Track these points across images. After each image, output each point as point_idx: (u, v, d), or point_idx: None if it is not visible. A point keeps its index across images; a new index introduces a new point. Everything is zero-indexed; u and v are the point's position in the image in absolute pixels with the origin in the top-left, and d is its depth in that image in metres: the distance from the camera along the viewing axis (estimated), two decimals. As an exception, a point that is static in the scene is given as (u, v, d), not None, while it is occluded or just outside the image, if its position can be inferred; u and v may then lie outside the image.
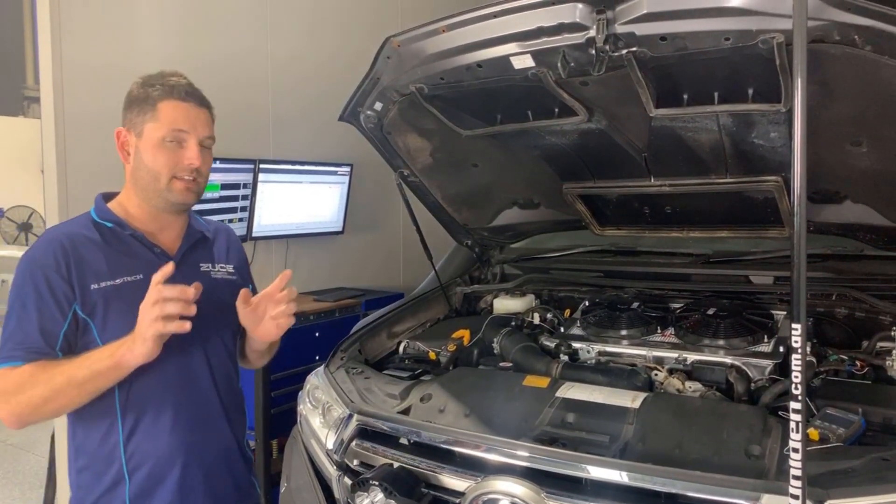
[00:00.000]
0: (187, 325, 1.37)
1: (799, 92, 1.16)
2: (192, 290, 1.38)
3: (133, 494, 1.52)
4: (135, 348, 1.38)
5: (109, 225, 1.57)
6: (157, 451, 1.54)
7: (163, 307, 1.35)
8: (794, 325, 1.16)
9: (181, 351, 1.56)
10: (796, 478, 1.15)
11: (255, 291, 1.78)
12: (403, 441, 1.77)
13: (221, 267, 1.73)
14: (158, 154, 1.53)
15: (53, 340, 1.45)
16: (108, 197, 1.65)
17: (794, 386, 1.15)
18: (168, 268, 1.38)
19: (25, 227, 9.87)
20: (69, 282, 1.47)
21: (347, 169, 4.46)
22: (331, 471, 1.88)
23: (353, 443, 1.83)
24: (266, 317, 1.59)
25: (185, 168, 1.54)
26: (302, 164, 4.17)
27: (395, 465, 1.69)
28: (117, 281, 1.51)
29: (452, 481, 1.62)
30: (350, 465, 1.83)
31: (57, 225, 1.60)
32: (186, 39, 3.57)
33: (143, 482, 1.53)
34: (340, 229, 4.55)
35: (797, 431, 1.15)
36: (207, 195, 3.48)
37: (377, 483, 1.60)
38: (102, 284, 1.50)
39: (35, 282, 1.46)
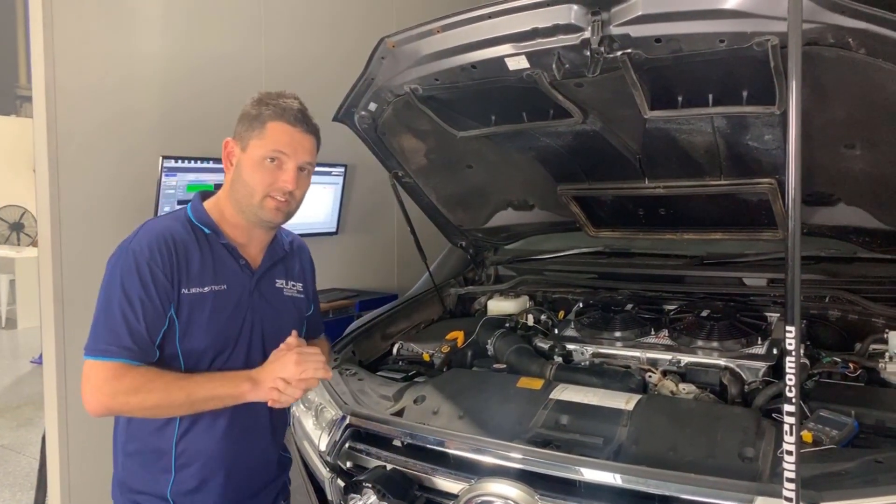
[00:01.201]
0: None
1: (793, 94, 1.16)
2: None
3: (175, 490, 1.56)
4: (259, 395, 1.50)
5: (207, 231, 1.59)
6: (207, 452, 1.58)
7: (311, 381, 1.52)
8: (788, 328, 1.16)
9: (245, 362, 1.60)
10: (790, 480, 1.15)
11: (316, 307, 1.94)
12: (397, 443, 1.76)
13: (293, 285, 1.77)
14: (256, 171, 1.56)
15: (155, 338, 1.48)
16: (205, 197, 1.67)
17: (788, 388, 1.15)
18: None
19: (17, 227, 9.84)
20: (171, 281, 1.50)
21: (342, 170, 4.44)
22: (324, 473, 1.87)
23: (347, 445, 1.82)
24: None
25: (279, 189, 1.57)
26: (296, 164, 4.15)
27: (389, 467, 1.68)
28: (205, 289, 1.54)
29: (446, 483, 1.62)
30: (343, 467, 1.82)
31: (158, 218, 1.62)
32: (180, 39, 3.55)
33: (189, 480, 1.57)
34: (335, 230, 4.53)
35: (791, 434, 1.15)
36: (201, 195, 3.46)
37: (370, 485, 1.60)
38: (193, 290, 1.53)
39: (141, 275, 1.47)
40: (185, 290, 1.52)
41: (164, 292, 1.49)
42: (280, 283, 1.74)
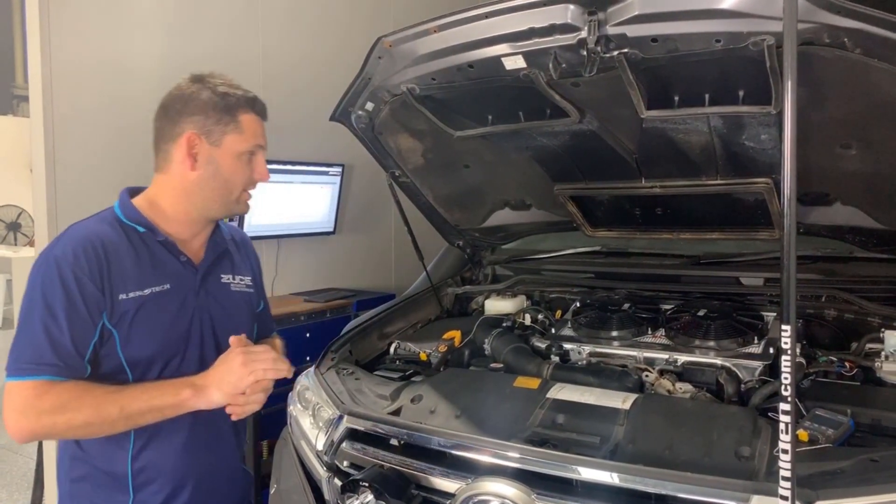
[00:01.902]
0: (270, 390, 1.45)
1: (788, 94, 1.16)
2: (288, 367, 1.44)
3: None
4: (209, 400, 1.40)
5: (140, 229, 1.49)
6: (168, 468, 1.50)
7: (262, 384, 1.43)
8: (783, 327, 1.16)
9: (201, 367, 1.51)
10: (786, 479, 1.15)
11: (265, 303, 1.85)
12: (394, 442, 1.76)
13: (240, 279, 1.69)
14: (238, 166, 1.51)
15: (84, 352, 1.37)
16: (133, 193, 1.56)
17: (783, 387, 1.16)
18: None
19: (14, 227, 9.81)
20: (101, 289, 1.38)
21: (339, 169, 4.45)
22: (321, 472, 1.87)
23: (343, 444, 1.82)
24: None
25: (254, 182, 1.56)
26: (293, 164, 4.15)
27: (386, 466, 1.68)
28: (145, 291, 1.44)
29: (443, 482, 1.61)
30: (340, 466, 1.82)
31: (81, 222, 1.48)
32: (177, 39, 3.55)
33: (149, 500, 1.48)
34: (332, 230, 4.54)
35: (787, 433, 1.15)
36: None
37: (367, 484, 1.59)
38: (131, 294, 1.42)
39: (65, 285, 1.35)
40: (122, 296, 1.41)
41: (93, 301, 1.37)
42: (226, 277, 1.65)
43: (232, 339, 1.47)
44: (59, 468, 1.52)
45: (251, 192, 1.58)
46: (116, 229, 1.46)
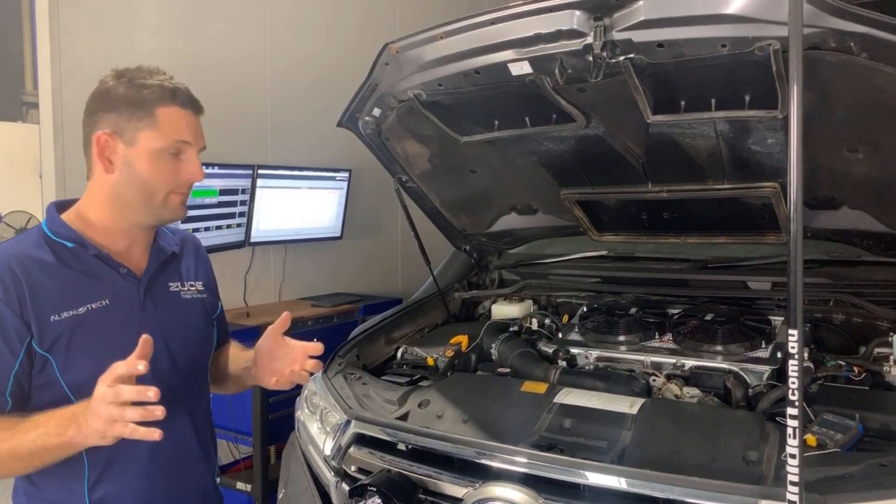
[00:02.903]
0: (156, 434, 1.13)
1: (795, 98, 1.17)
2: (153, 391, 1.12)
3: None
4: (86, 437, 1.17)
5: (69, 245, 1.35)
6: (131, 496, 1.38)
7: (122, 412, 1.11)
8: (790, 331, 1.16)
9: (158, 384, 1.27)
10: (794, 484, 1.15)
11: (221, 308, 1.69)
12: (401, 447, 1.76)
13: (191, 286, 1.55)
14: (157, 166, 1.35)
15: (3, 384, 1.26)
16: (62, 206, 1.43)
17: (791, 392, 1.16)
18: (143, 349, 1.16)
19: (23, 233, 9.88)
20: (21, 315, 1.26)
21: (346, 175, 4.46)
22: (328, 477, 1.87)
23: (351, 449, 1.82)
24: (282, 364, 1.48)
25: (185, 183, 1.39)
26: (300, 169, 4.17)
27: (393, 471, 1.68)
28: (80, 310, 1.32)
29: (450, 487, 1.62)
30: (348, 471, 1.82)
31: (7, 242, 1.37)
32: (185, 45, 3.58)
33: None
34: (339, 235, 4.55)
35: (794, 437, 1.15)
36: (206, 201, 3.48)
37: (375, 489, 1.60)
38: (64, 315, 1.30)
39: None
40: (54, 317, 1.29)
41: (13, 329, 1.26)
42: (174, 286, 1.51)
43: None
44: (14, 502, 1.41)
45: (183, 192, 1.41)
46: (43, 247, 1.34)
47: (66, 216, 1.40)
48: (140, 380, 1.18)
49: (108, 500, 1.36)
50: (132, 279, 1.42)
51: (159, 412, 1.12)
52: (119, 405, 1.11)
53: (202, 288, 1.58)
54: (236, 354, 1.68)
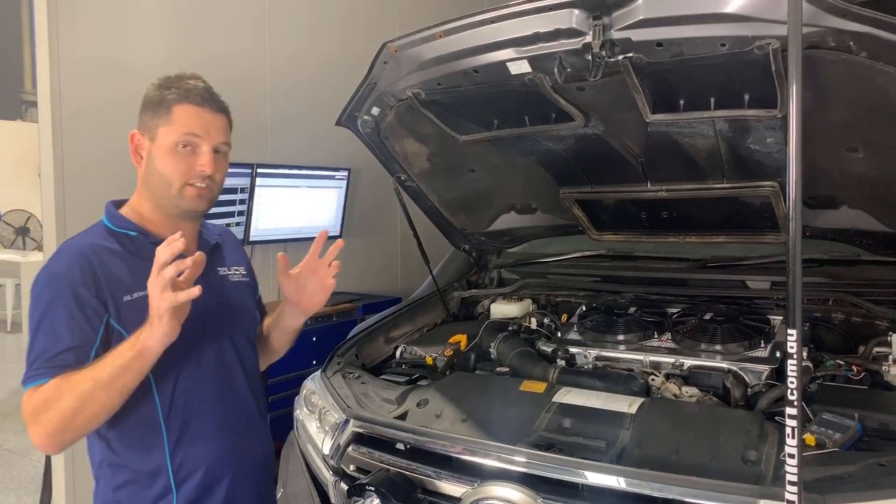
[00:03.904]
0: (195, 291, 1.29)
1: (794, 98, 1.17)
2: (189, 261, 1.30)
3: None
4: (154, 331, 1.30)
5: (132, 234, 1.51)
6: (208, 458, 1.51)
7: (163, 275, 1.27)
8: (789, 331, 1.16)
9: (216, 355, 1.55)
10: (792, 483, 1.15)
11: (259, 290, 1.85)
12: (400, 446, 1.76)
13: (236, 270, 1.72)
14: (171, 159, 1.48)
15: (85, 357, 1.38)
16: (118, 204, 1.59)
17: (789, 391, 1.16)
18: (176, 244, 1.29)
19: (23, 231, 9.87)
20: (98, 296, 1.41)
21: (345, 173, 4.46)
22: (327, 476, 1.87)
23: (350, 448, 1.82)
24: (307, 285, 1.66)
25: (197, 175, 1.49)
26: (300, 168, 4.17)
27: (392, 470, 1.68)
28: (146, 291, 1.41)
29: (449, 487, 1.61)
30: (346, 470, 1.82)
31: (74, 237, 1.52)
32: (184, 44, 3.57)
33: (193, 492, 1.49)
34: (338, 234, 4.54)
35: (793, 437, 1.15)
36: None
37: (373, 488, 1.60)
38: (135, 295, 1.44)
39: (63, 298, 1.38)
40: (126, 297, 1.43)
41: (91, 308, 1.40)
42: (223, 270, 1.68)
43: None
44: (97, 480, 1.52)
45: (198, 185, 1.50)
46: (108, 238, 1.50)
47: (124, 211, 1.56)
48: (205, 355, 1.50)
49: (187, 462, 1.49)
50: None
51: (195, 290, 1.28)
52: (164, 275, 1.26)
53: (245, 272, 1.75)
54: (267, 318, 1.86)
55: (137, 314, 1.41)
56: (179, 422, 1.49)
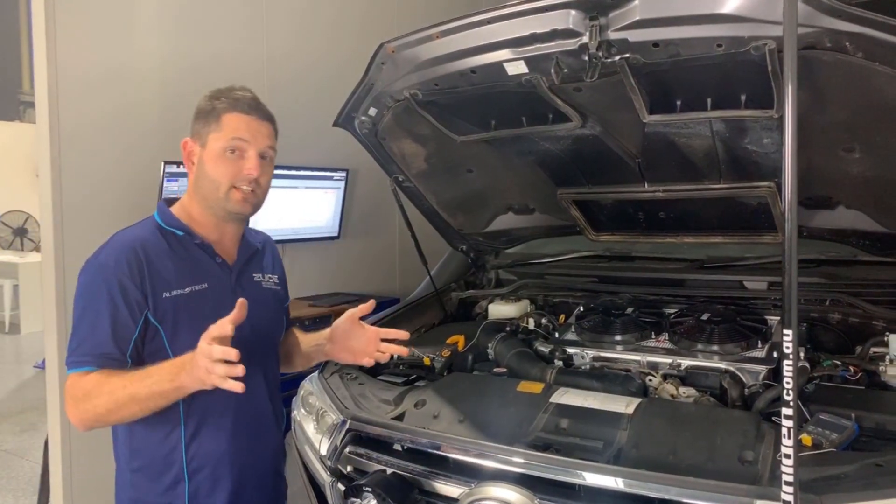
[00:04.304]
0: (238, 388, 1.33)
1: (789, 98, 1.17)
2: (234, 353, 1.32)
3: (192, 493, 1.57)
4: (195, 381, 1.38)
5: (180, 233, 1.60)
6: (219, 453, 1.59)
7: (213, 366, 1.32)
8: (785, 331, 1.16)
9: (246, 358, 1.54)
10: (788, 483, 1.15)
11: (288, 300, 1.94)
12: (397, 447, 1.76)
13: (269, 278, 1.79)
14: (219, 164, 1.56)
15: (125, 347, 1.48)
16: (169, 203, 1.68)
17: (785, 391, 1.16)
18: (238, 312, 1.37)
19: (20, 233, 9.86)
20: (142, 289, 1.49)
21: (343, 174, 4.45)
22: (324, 477, 1.87)
23: (347, 449, 1.82)
24: (357, 342, 1.80)
25: (244, 178, 1.58)
26: (297, 169, 4.16)
27: (389, 471, 1.68)
28: (186, 290, 1.55)
29: (446, 488, 1.61)
30: (344, 471, 1.82)
31: (124, 230, 1.60)
32: (182, 44, 3.56)
33: (202, 483, 1.58)
34: (336, 234, 4.54)
35: (789, 437, 1.15)
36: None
37: (370, 489, 1.60)
38: (174, 293, 1.53)
39: (109, 288, 1.47)
40: (166, 294, 1.52)
41: (135, 301, 1.48)
42: (258, 276, 1.76)
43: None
44: (118, 459, 1.62)
45: (244, 188, 1.59)
46: (157, 235, 1.58)
47: (174, 209, 1.64)
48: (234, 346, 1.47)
49: (200, 454, 1.57)
50: (225, 268, 1.65)
51: (239, 370, 1.32)
52: (212, 360, 1.31)
53: (277, 281, 1.83)
54: (305, 336, 1.94)
55: (173, 311, 1.52)
56: (197, 418, 1.57)
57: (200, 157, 1.59)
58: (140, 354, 1.51)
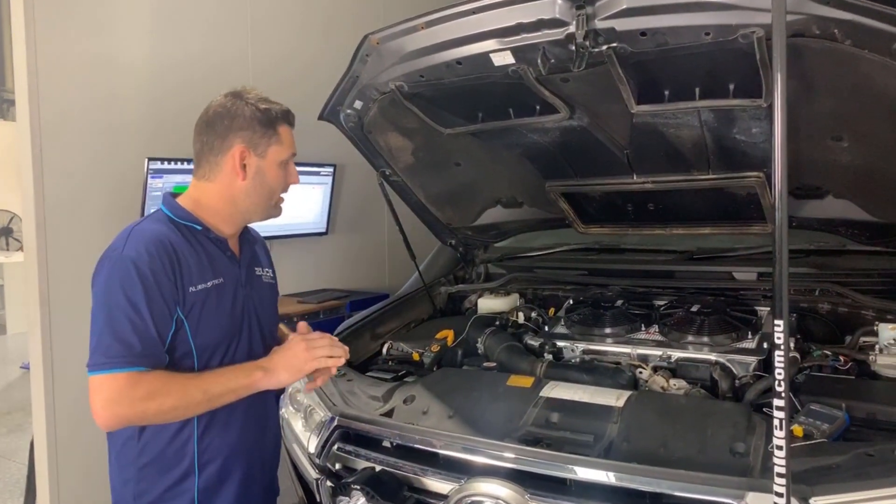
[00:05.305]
0: (334, 371, 1.66)
1: (778, 87, 1.15)
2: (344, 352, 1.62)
3: (202, 487, 1.58)
4: (278, 377, 1.56)
5: (198, 227, 1.61)
6: (230, 446, 1.62)
7: (323, 350, 1.58)
8: (776, 321, 1.15)
9: (248, 350, 1.65)
10: (780, 475, 1.14)
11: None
12: (386, 444, 1.75)
13: (266, 271, 1.84)
14: (279, 174, 1.65)
15: (165, 342, 1.49)
16: (173, 196, 1.68)
17: (777, 383, 1.15)
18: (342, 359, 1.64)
19: (6, 232, 9.75)
20: (174, 283, 1.50)
21: (330, 169, 4.42)
22: (313, 475, 1.85)
23: (335, 446, 1.81)
24: None
25: (288, 186, 1.70)
26: (284, 164, 4.12)
27: (378, 468, 1.67)
28: (208, 284, 1.57)
29: (436, 484, 1.60)
30: (332, 469, 1.80)
31: (142, 223, 1.59)
32: (165, 38, 3.52)
33: (213, 476, 1.59)
34: (325, 230, 4.51)
35: (781, 429, 1.14)
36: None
37: (359, 487, 1.58)
38: (199, 287, 1.55)
39: (144, 282, 1.45)
40: (192, 288, 1.53)
41: (170, 295, 1.49)
42: (259, 271, 1.80)
43: (300, 325, 1.70)
44: (119, 457, 1.59)
45: (283, 196, 1.71)
46: (173, 229, 1.58)
47: (184, 203, 1.63)
48: (239, 347, 1.62)
49: (211, 448, 1.59)
50: (235, 262, 1.68)
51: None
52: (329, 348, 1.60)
53: (272, 274, 1.88)
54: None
55: (198, 305, 1.54)
56: (210, 412, 1.57)
57: (259, 166, 1.61)
58: (169, 348, 1.52)
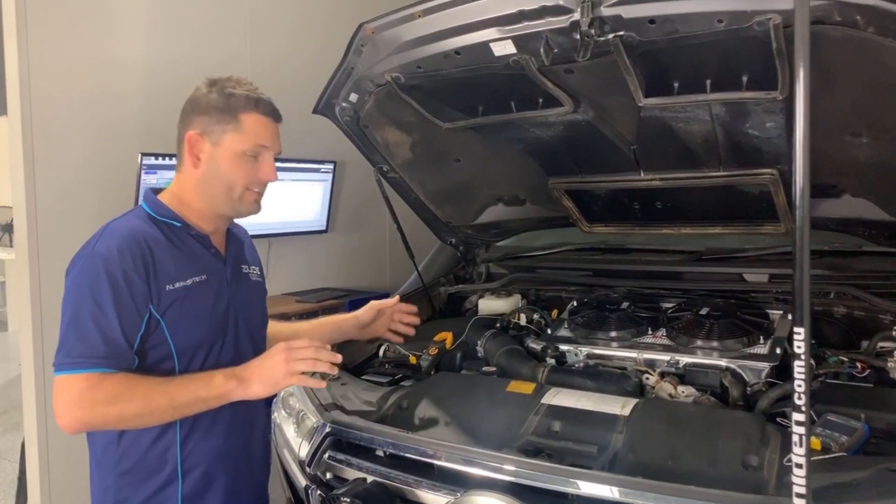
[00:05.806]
0: (323, 384, 1.58)
1: (801, 77, 1.07)
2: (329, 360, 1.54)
3: (186, 494, 1.52)
4: (251, 388, 1.47)
5: (177, 224, 1.56)
6: (215, 452, 1.56)
7: (306, 358, 1.50)
8: (796, 329, 1.06)
9: (234, 352, 1.60)
10: (800, 496, 1.05)
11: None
12: (379, 453, 1.67)
13: (253, 269, 1.79)
14: (237, 166, 1.54)
15: (133, 343, 1.43)
16: (155, 192, 1.63)
17: (797, 395, 1.06)
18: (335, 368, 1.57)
19: (7, 229, 9.72)
20: (147, 282, 1.45)
21: (331, 166, 4.37)
22: (303, 483, 1.78)
23: (326, 454, 1.74)
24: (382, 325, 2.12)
25: (260, 182, 1.58)
26: (283, 161, 4.05)
27: (370, 479, 1.60)
28: (188, 282, 1.52)
29: (430, 497, 1.53)
30: (323, 478, 1.74)
31: (117, 220, 1.54)
32: (160, 34, 3.47)
33: (197, 483, 1.54)
34: (324, 228, 4.46)
35: (800, 445, 1.05)
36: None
37: (349, 500, 1.50)
38: (177, 285, 1.50)
39: (112, 280, 1.41)
40: (169, 286, 1.48)
41: (140, 294, 1.43)
42: (245, 268, 1.75)
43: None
44: (99, 464, 1.54)
45: (257, 190, 1.60)
46: (152, 225, 1.53)
47: (164, 199, 1.59)
48: (224, 347, 1.57)
49: (196, 453, 1.53)
50: (220, 259, 1.64)
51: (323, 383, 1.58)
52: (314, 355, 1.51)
53: (259, 273, 1.83)
54: (280, 325, 2.01)
55: (175, 304, 1.49)
56: (193, 416, 1.52)
57: (212, 155, 1.53)
58: (144, 350, 1.47)
